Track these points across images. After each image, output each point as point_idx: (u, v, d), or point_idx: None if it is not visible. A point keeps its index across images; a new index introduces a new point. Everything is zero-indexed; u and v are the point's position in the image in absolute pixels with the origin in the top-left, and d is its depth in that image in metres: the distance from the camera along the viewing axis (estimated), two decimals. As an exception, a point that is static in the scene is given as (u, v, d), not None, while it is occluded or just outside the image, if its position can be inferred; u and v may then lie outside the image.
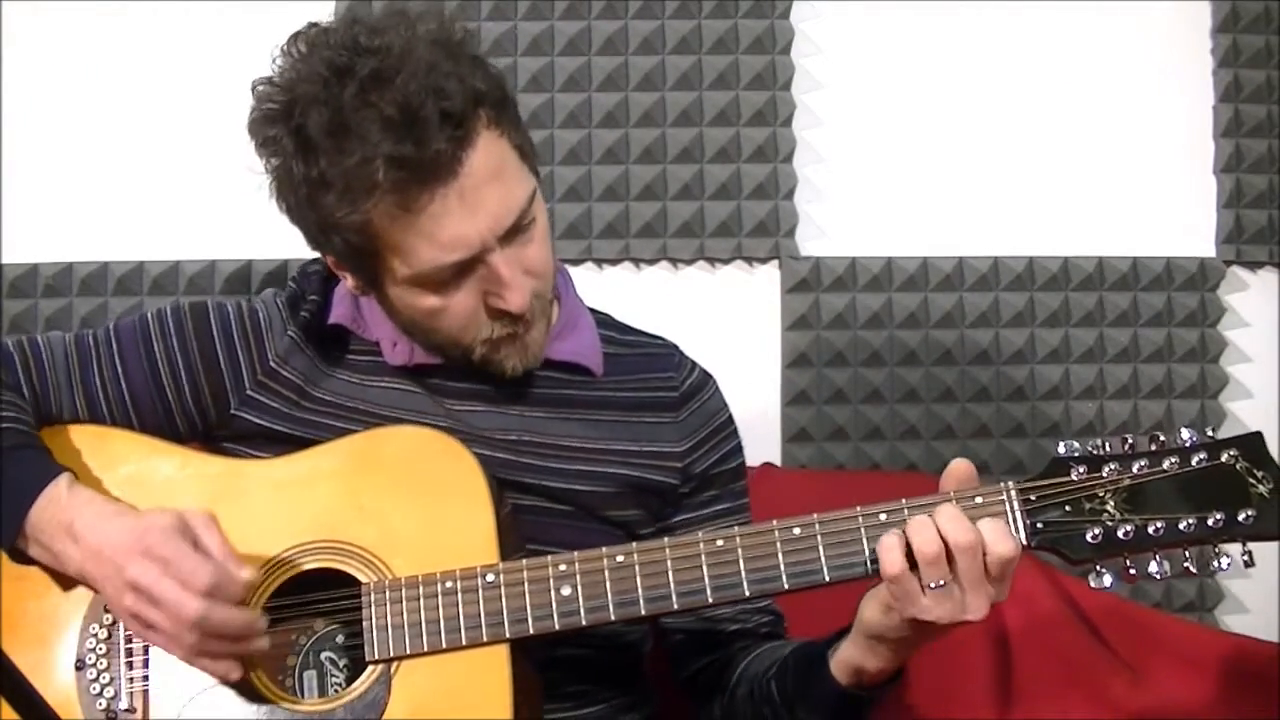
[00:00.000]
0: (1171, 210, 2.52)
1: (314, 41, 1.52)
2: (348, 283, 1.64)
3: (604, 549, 1.48)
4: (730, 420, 1.79)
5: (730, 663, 1.69)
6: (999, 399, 2.47)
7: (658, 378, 1.75)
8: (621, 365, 1.74)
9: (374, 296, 1.62)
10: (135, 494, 1.56)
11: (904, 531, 1.41)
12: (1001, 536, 1.40)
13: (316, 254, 1.66)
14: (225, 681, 1.47)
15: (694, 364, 1.79)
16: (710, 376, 1.79)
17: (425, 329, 1.60)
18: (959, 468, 1.47)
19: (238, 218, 2.39)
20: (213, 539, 1.46)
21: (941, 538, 1.39)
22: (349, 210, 1.48)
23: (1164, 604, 2.45)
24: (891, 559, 1.40)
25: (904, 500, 1.45)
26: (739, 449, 1.79)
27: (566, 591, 1.47)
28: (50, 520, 1.49)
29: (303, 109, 1.48)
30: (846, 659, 1.50)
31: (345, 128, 1.45)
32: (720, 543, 1.47)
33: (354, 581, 1.50)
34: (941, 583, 1.39)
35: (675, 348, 1.80)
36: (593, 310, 1.79)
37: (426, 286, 1.54)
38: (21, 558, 1.52)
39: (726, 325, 2.45)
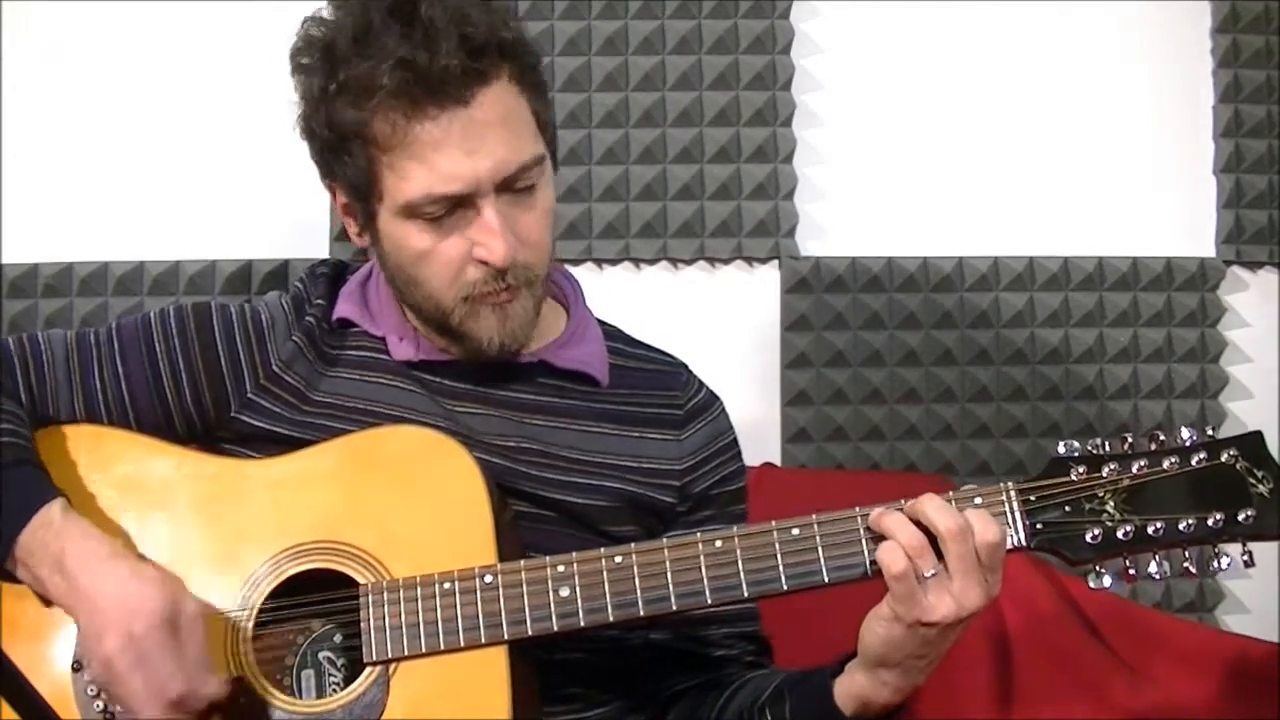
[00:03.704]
0: (1171, 210, 2.52)
1: None
2: (351, 230, 1.65)
3: (602, 550, 1.48)
4: (734, 443, 1.77)
5: (716, 687, 1.66)
6: (999, 399, 2.47)
7: (663, 395, 1.74)
8: (628, 379, 1.73)
9: (371, 240, 1.63)
10: (132, 494, 1.56)
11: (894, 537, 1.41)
12: (988, 523, 1.40)
13: (321, 257, 1.66)
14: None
15: (701, 384, 1.78)
16: (717, 398, 1.78)
17: (411, 278, 1.59)
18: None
19: (238, 218, 2.39)
20: (194, 643, 1.45)
21: (928, 526, 1.40)
22: (356, 111, 1.51)
23: (1164, 604, 2.45)
24: (894, 557, 1.39)
25: (903, 501, 1.45)
26: (740, 473, 1.77)
27: (565, 593, 1.47)
28: (40, 547, 1.47)
29: (335, 27, 1.54)
30: (852, 692, 1.49)
31: (367, 37, 1.50)
32: (719, 544, 1.46)
33: (352, 582, 1.50)
34: (932, 572, 1.39)
35: (684, 366, 1.79)
36: (602, 323, 1.77)
37: (416, 220, 1.54)
38: (6, 577, 1.50)
39: (726, 325, 2.45)
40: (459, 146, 1.50)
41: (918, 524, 1.42)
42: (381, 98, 1.49)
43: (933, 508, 1.41)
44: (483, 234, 1.54)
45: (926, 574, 1.39)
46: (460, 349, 1.63)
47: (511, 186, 1.54)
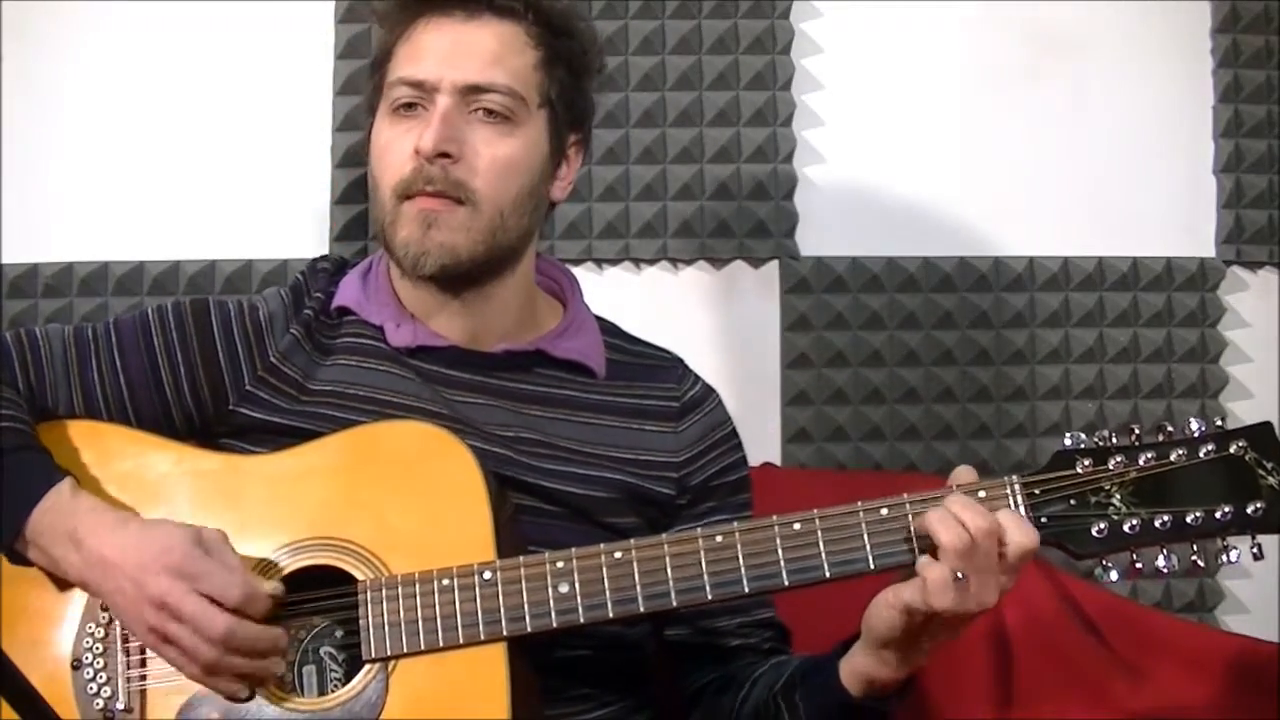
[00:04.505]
0: (1171, 210, 2.52)
1: None
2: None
3: (602, 546, 1.48)
4: (733, 434, 1.78)
5: (734, 679, 1.67)
6: (999, 399, 2.47)
7: (660, 387, 1.74)
8: (624, 372, 1.74)
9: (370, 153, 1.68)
10: (131, 491, 1.56)
11: (935, 536, 1.40)
12: (1020, 525, 1.40)
13: (322, 253, 1.66)
14: (233, 699, 1.47)
15: (697, 377, 1.79)
16: (713, 391, 1.79)
17: (375, 181, 1.65)
18: (960, 477, 1.47)
19: (238, 218, 2.39)
20: (230, 557, 1.47)
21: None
22: (387, 33, 1.65)
23: (1164, 604, 2.44)
24: (942, 586, 1.38)
25: (905, 495, 1.45)
26: (742, 462, 1.78)
27: (564, 589, 1.46)
28: (51, 525, 1.48)
29: None
30: (858, 670, 1.49)
31: None
32: (719, 539, 1.46)
33: (351, 579, 1.50)
34: (961, 575, 1.38)
35: (680, 361, 1.80)
36: (598, 318, 1.78)
37: (388, 109, 1.63)
38: (20, 560, 1.51)
39: (726, 325, 2.45)
40: (443, 49, 1.61)
41: None
42: (408, 11, 1.62)
43: (962, 506, 1.40)
44: (423, 124, 1.60)
45: (959, 575, 1.38)
46: (398, 269, 1.66)
47: (476, 100, 1.60)
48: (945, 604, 1.39)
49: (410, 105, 1.61)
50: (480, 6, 1.61)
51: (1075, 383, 2.48)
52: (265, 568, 1.51)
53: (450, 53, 1.60)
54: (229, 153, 2.39)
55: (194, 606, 1.42)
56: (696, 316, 2.44)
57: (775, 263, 2.45)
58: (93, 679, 1.49)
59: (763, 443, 2.39)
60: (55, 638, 1.51)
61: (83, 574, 1.48)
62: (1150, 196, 2.51)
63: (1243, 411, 2.50)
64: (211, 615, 1.42)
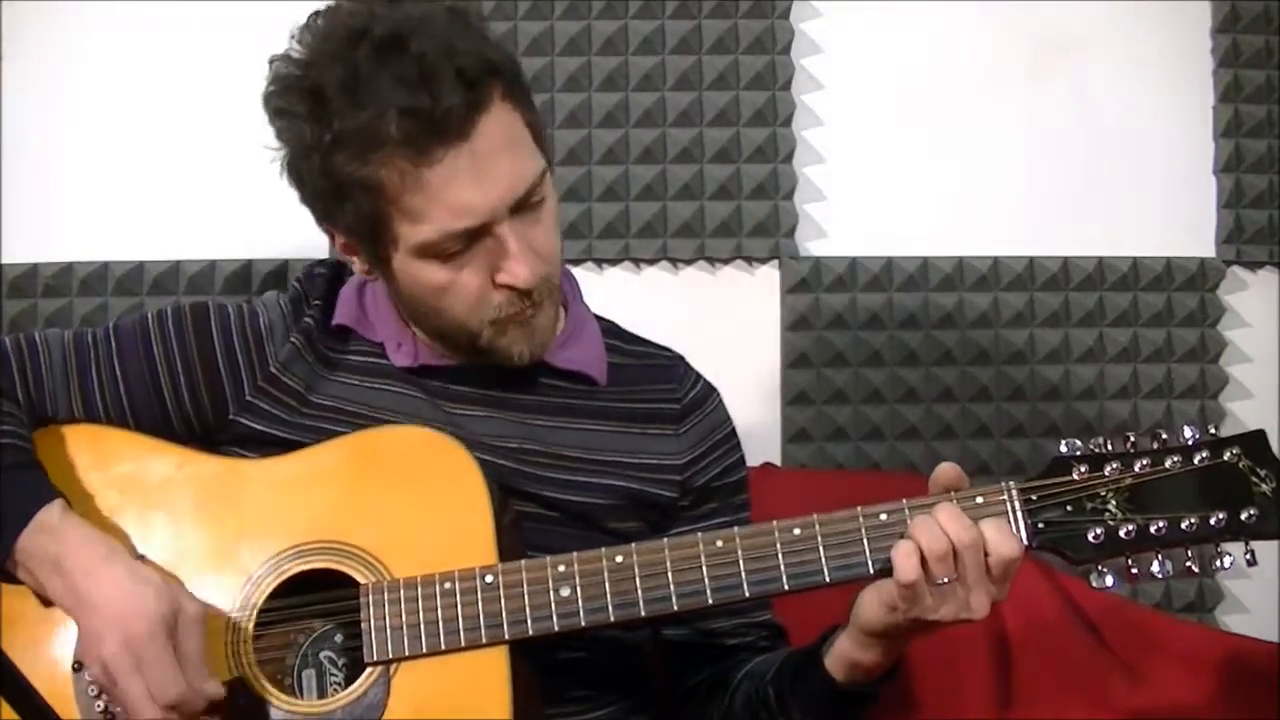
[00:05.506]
0: (1171, 210, 2.52)
1: (332, 13, 1.53)
2: (356, 266, 1.63)
3: (603, 550, 1.48)
4: (733, 434, 1.78)
5: (728, 675, 1.68)
6: (999, 399, 2.47)
7: (661, 389, 1.74)
8: (625, 375, 1.73)
9: (381, 276, 1.61)
10: (132, 493, 1.56)
11: (913, 536, 1.41)
12: (1004, 537, 1.41)
13: (321, 256, 1.65)
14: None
15: (698, 376, 1.79)
16: (714, 389, 1.79)
17: (432, 309, 1.58)
18: (946, 473, 1.47)
19: (238, 218, 2.39)
20: (192, 645, 1.45)
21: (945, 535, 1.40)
22: (360, 165, 1.47)
23: (1164, 604, 2.45)
24: (909, 565, 1.40)
25: (904, 500, 1.45)
26: (741, 463, 1.78)
27: (565, 592, 1.47)
28: (38, 549, 1.47)
29: (318, 71, 1.48)
30: (841, 654, 1.50)
31: (358, 84, 1.46)
32: (720, 543, 1.47)
33: (353, 582, 1.50)
34: (946, 580, 1.39)
35: (680, 359, 1.79)
36: (599, 318, 1.78)
37: (434, 257, 1.53)
38: (8, 578, 1.51)
39: (726, 325, 2.45)
40: (468, 180, 1.48)
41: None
42: (389, 150, 1.46)
43: (947, 517, 1.41)
44: (505, 260, 1.53)
45: (940, 580, 1.40)
46: (485, 359, 1.63)
47: (523, 206, 1.53)
48: (920, 613, 1.41)
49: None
50: (471, 114, 1.47)
51: (1075, 383, 2.48)
52: (276, 565, 1.51)
53: (479, 180, 1.48)
54: (229, 153, 2.38)
55: (131, 689, 1.42)
56: (696, 316, 2.44)
57: (775, 263, 2.45)
58: (93, 681, 1.49)
59: (763, 443, 2.40)
60: (56, 640, 1.51)
61: (64, 602, 1.47)
62: (1150, 196, 2.51)
63: (1243, 412, 2.51)
64: (143, 706, 1.41)
